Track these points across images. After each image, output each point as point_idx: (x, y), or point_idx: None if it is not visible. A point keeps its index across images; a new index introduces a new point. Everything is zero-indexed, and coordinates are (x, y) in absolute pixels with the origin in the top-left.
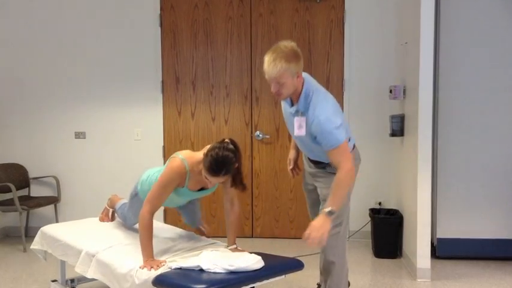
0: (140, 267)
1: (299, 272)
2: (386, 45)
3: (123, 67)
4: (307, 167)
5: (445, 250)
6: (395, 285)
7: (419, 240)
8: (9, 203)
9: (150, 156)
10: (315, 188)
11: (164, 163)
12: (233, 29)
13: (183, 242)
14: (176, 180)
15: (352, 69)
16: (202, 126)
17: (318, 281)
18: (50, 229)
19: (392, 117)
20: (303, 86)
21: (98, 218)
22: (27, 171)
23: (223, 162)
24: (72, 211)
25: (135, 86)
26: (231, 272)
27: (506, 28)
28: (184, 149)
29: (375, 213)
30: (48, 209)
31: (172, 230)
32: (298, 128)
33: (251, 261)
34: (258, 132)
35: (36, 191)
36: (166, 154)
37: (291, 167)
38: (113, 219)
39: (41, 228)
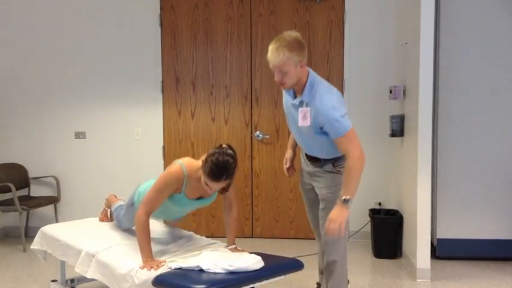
0: (140, 268)
1: (299, 272)
2: (386, 46)
3: (123, 67)
4: (305, 166)
5: (445, 250)
6: (395, 286)
7: (419, 241)
8: (9, 203)
9: (150, 156)
10: (313, 188)
11: (164, 163)
12: (233, 29)
13: (183, 242)
14: (173, 185)
15: (352, 70)
16: (202, 126)
17: (318, 280)
18: (50, 229)
19: (392, 117)
20: (307, 77)
21: (97, 218)
22: (27, 171)
23: (224, 167)
24: (72, 211)
25: (135, 86)
26: (231, 272)
27: (506, 28)
28: (184, 149)
29: (374, 213)
30: (48, 209)
31: (172, 230)
32: (302, 119)
33: (251, 262)
34: (258, 133)
35: (36, 191)
36: (166, 154)
37: (287, 166)
38: (112, 219)
39: (41, 228)
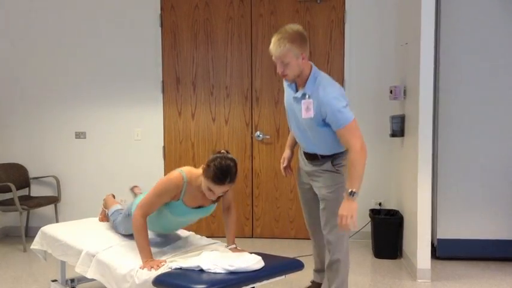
0: (140, 268)
1: (299, 272)
2: (386, 46)
3: (124, 67)
4: (303, 166)
5: (445, 251)
6: (396, 286)
7: (419, 241)
8: (10, 202)
9: (150, 156)
10: (311, 188)
11: (164, 163)
12: (233, 29)
13: (183, 242)
14: (171, 191)
15: (352, 70)
16: (203, 126)
17: (313, 278)
18: (50, 229)
19: (393, 117)
20: (310, 70)
21: (97, 218)
22: (27, 171)
23: (227, 170)
24: (72, 211)
25: (136, 86)
26: (231, 272)
27: (506, 28)
28: (185, 149)
29: (375, 213)
30: (49, 209)
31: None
32: (306, 111)
33: (251, 262)
34: (258, 133)
35: (36, 190)
36: (167, 154)
37: (284, 165)
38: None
39: (41, 228)
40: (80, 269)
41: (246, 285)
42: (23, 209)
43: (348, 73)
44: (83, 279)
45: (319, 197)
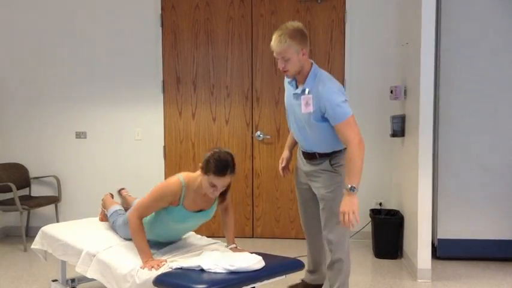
0: (141, 268)
1: (300, 272)
2: (387, 46)
3: (124, 67)
4: (302, 166)
5: (446, 251)
6: (396, 286)
7: (419, 241)
8: (10, 202)
9: (151, 156)
10: (309, 188)
11: (165, 163)
12: (234, 29)
13: (184, 242)
14: (169, 196)
15: (352, 70)
16: (203, 126)
17: (303, 277)
18: (51, 229)
19: (393, 117)
20: (311, 67)
21: (97, 217)
22: (27, 171)
23: (227, 161)
24: (72, 211)
25: (136, 86)
26: (232, 272)
27: (507, 28)
28: (185, 149)
29: (375, 213)
30: (49, 209)
31: None
32: (305, 106)
33: (252, 261)
34: (258, 133)
35: (36, 190)
36: (167, 154)
37: (283, 165)
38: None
39: (42, 228)
40: (80, 268)
41: (247, 285)
42: (24, 208)
43: (348, 73)
44: (83, 279)
45: (318, 197)
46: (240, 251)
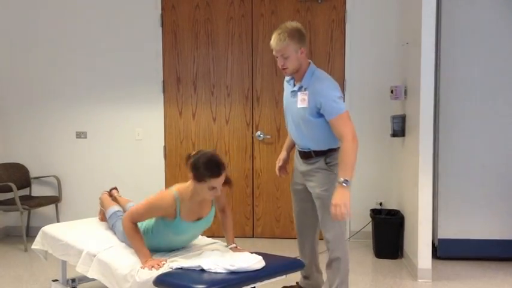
0: (141, 268)
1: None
2: (387, 46)
3: (124, 67)
4: (298, 166)
5: (446, 250)
6: (396, 286)
7: (420, 241)
8: (11, 202)
9: (151, 156)
10: (304, 189)
11: (165, 163)
12: (234, 29)
13: None
14: (162, 210)
15: (353, 70)
16: (203, 126)
17: (299, 280)
18: (51, 229)
19: (394, 117)
20: (308, 66)
21: (98, 217)
22: (28, 171)
23: (216, 159)
24: (73, 211)
25: (136, 86)
26: (232, 272)
27: (507, 28)
28: (185, 148)
29: (375, 213)
30: (49, 209)
31: None
32: (301, 101)
33: (252, 261)
34: (259, 133)
35: (37, 190)
36: (168, 154)
37: (279, 164)
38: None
39: (42, 228)
40: (80, 268)
41: (247, 285)
42: (24, 208)
43: (348, 73)
44: (83, 279)
45: (314, 196)
46: (240, 250)
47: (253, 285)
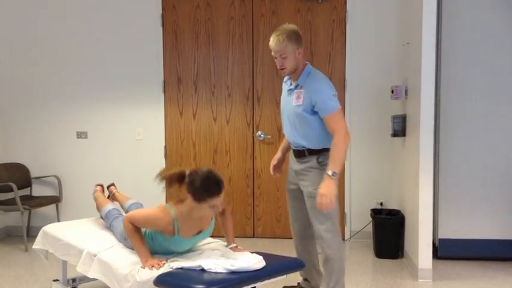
0: (141, 267)
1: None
2: (388, 46)
3: (125, 67)
4: (292, 165)
5: (447, 250)
6: (397, 286)
7: (420, 241)
8: (11, 202)
9: (152, 156)
10: (297, 188)
11: (166, 163)
12: (235, 29)
13: None
14: (159, 225)
15: (353, 70)
16: (204, 126)
17: (301, 282)
18: (52, 229)
19: (394, 117)
20: (305, 66)
21: (98, 216)
22: (29, 171)
23: (215, 177)
24: (73, 211)
25: (137, 86)
26: (233, 272)
27: (508, 27)
28: (186, 149)
29: (376, 213)
30: (50, 209)
31: None
32: (296, 99)
33: (252, 261)
34: (259, 133)
35: (37, 190)
36: (168, 154)
37: (274, 163)
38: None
39: (43, 227)
40: (81, 268)
41: (247, 284)
42: (25, 208)
43: (349, 73)
44: (84, 279)
45: (305, 195)
46: (240, 250)
47: (253, 285)
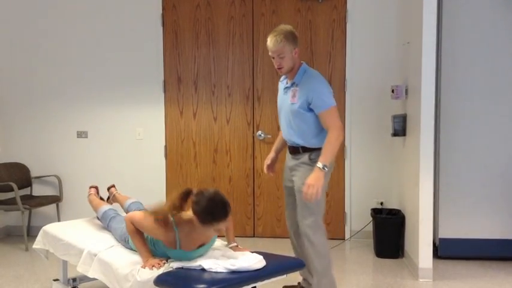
0: (141, 267)
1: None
2: (388, 45)
3: (125, 67)
4: (287, 161)
5: (447, 250)
6: (397, 285)
7: (421, 240)
8: (11, 202)
9: (152, 155)
10: (292, 185)
11: (166, 162)
12: (235, 28)
13: None
14: (160, 236)
15: (354, 69)
16: (204, 126)
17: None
18: (52, 228)
19: (394, 117)
20: (301, 65)
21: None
22: (29, 171)
23: (220, 201)
24: (74, 210)
25: (137, 86)
26: (233, 272)
27: (508, 28)
28: (186, 148)
29: (376, 213)
30: (50, 208)
31: None
32: (292, 97)
33: (253, 261)
34: (259, 132)
35: (38, 190)
36: (168, 153)
37: (268, 163)
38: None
39: (43, 227)
40: (81, 268)
41: (248, 284)
42: (25, 208)
43: (349, 72)
44: (84, 279)
45: (295, 188)
46: (241, 250)
47: (253, 285)
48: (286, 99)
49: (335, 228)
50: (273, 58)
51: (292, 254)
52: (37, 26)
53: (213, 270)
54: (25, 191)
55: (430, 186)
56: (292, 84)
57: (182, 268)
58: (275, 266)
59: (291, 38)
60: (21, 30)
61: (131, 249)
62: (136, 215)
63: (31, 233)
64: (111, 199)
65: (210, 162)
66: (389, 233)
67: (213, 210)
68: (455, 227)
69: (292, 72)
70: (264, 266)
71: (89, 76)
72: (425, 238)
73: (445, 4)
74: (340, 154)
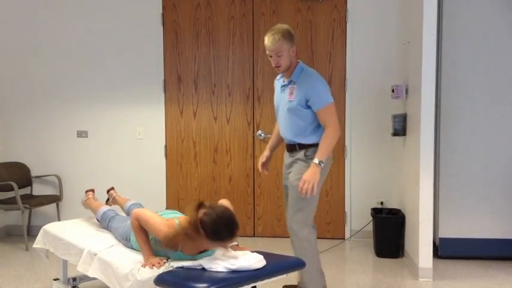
0: (142, 266)
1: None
2: (388, 45)
3: (125, 66)
4: (285, 159)
5: (447, 250)
6: (397, 285)
7: (421, 240)
8: (12, 201)
9: (152, 155)
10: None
11: (166, 162)
12: (235, 28)
13: None
14: (162, 232)
15: (354, 69)
16: (204, 125)
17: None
18: (52, 228)
19: (395, 116)
20: (298, 64)
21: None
22: (29, 170)
23: (232, 219)
24: (74, 210)
25: (137, 85)
26: (233, 271)
27: (508, 28)
28: (186, 148)
29: (376, 212)
30: (50, 208)
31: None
32: (289, 95)
33: (253, 260)
34: (260, 132)
35: (38, 189)
36: (168, 153)
37: (263, 161)
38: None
39: (43, 226)
40: (81, 267)
41: (248, 284)
42: (25, 207)
43: (349, 72)
44: (84, 278)
45: (289, 185)
46: (241, 249)
47: (254, 284)
48: (284, 97)
49: (335, 227)
50: (271, 57)
51: (292, 254)
52: (37, 26)
53: (213, 270)
54: (25, 191)
55: (430, 185)
56: (290, 82)
57: (182, 267)
58: (275, 266)
59: (288, 36)
60: (21, 30)
61: (132, 248)
62: (143, 212)
63: (31, 232)
64: (110, 201)
65: (210, 161)
66: (389, 232)
67: (220, 230)
68: (455, 227)
69: (289, 71)
70: (264, 266)
71: (88, 76)
72: (425, 238)
73: (446, 4)
74: (340, 154)
